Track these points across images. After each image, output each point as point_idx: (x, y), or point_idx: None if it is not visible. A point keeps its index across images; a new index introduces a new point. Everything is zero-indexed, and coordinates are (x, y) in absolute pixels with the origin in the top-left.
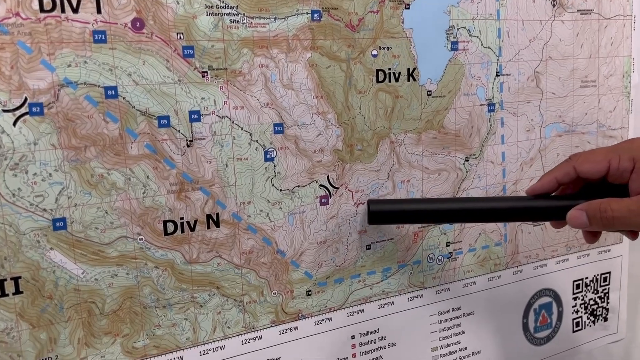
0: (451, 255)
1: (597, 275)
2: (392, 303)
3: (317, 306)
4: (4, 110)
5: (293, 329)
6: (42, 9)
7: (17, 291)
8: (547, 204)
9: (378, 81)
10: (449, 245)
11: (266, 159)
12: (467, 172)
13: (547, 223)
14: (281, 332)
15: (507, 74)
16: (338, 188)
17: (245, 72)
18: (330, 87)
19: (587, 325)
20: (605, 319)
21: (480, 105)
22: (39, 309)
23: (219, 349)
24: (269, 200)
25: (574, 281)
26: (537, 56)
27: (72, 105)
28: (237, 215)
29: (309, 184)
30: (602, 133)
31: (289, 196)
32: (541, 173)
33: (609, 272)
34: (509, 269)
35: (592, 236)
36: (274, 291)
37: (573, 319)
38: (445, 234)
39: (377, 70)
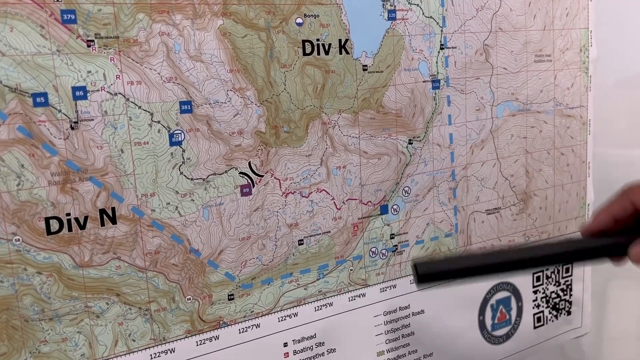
0: (396, 249)
1: (559, 266)
2: (331, 304)
3: (242, 311)
4: None
5: (213, 339)
6: None
7: None
8: (608, 243)
9: (305, 54)
10: (393, 238)
11: (172, 143)
12: (411, 156)
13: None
14: (198, 342)
15: (453, 47)
16: (262, 176)
17: (142, 41)
18: (248, 59)
19: (549, 320)
20: (569, 313)
21: (424, 81)
22: None
23: None
24: (178, 192)
25: (534, 273)
26: (485, 27)
27: None
28: (138, 210)
29: (226, 171)
30: (559, 112)
31: (202, 186)
32: (494, 156)
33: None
34: None
35: None
36: (188, 297)
37: (534, 314)
38: (389, 224)
39: (304, 41)
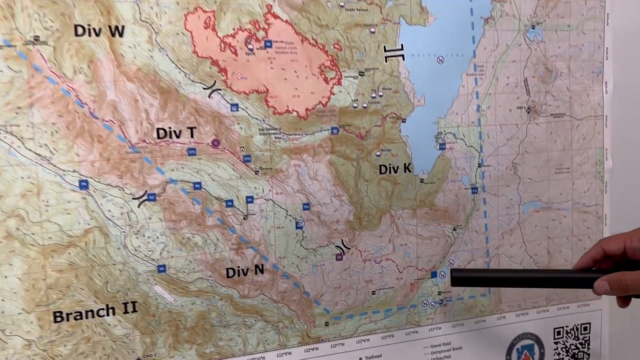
0: (442, 302)
1: (577, 324)
2: (392, 335)
3: (333, 334)
4: (133, 198)
5: (314, 349)
6: (158, 137)
7: (134, 310)
8: (580, 275)
9: (381, 173)
10: (440, 294)
11: (297, 227)
12: (455, 239)
13: None
14: (305, 350)
15: (488, 165)
16: (350, 248)
17: (284, 170)
18: (345, 178)
19: None
20: None
21: (465, 188)
22: (146, 322)
23: (261, 359)
24: (299, 256)
25: (555, 328)
26: (514, 151)
27: (173, 194)
28: (276, 266)
29: (327, 245)
30: (577, 209)
31: (313, 253)
32: (520, 241)
33: (589, 323)
34: (493, 315)
35: (622, 302)
36: (301, 321)
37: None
38: (437, 285)
39: (380, 166)
